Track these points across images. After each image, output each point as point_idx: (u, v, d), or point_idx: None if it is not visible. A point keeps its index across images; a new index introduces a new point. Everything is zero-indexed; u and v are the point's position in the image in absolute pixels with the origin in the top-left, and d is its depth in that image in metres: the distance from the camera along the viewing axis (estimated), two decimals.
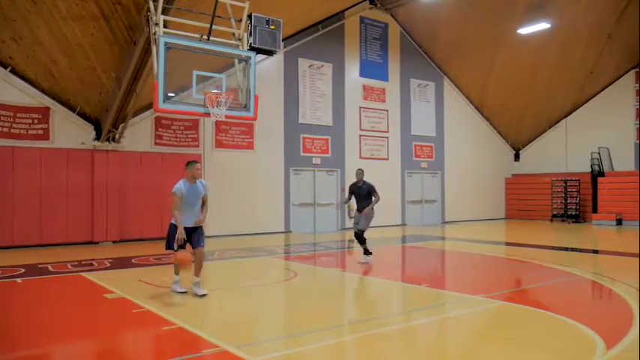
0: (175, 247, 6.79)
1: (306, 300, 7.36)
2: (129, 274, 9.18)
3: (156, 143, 14.31)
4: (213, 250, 12.71)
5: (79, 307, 6.68)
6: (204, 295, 6.85)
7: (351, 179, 18.22)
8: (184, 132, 14.76)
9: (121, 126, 13.19)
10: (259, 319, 5.71)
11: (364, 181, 10.12)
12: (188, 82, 9.06)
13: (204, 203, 7.18)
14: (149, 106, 13.30)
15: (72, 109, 13.15)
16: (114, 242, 13.52)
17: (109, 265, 10.04)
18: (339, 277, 9.43)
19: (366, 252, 10.23)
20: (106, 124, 12.99)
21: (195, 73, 8.93)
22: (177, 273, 7.17)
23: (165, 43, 8.72)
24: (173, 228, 6.93)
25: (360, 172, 10.25)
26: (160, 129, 14.37)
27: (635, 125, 20.51)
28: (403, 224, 19.78)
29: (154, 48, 8.83)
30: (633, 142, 20.55)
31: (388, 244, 14.14)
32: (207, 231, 14.88)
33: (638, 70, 20.41)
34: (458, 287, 8.16)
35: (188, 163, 7.15)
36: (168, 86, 8.94)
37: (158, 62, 8.65)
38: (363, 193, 10.06)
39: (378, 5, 18.93)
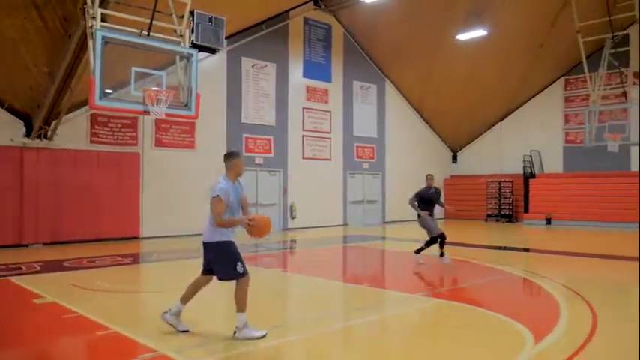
0: (242, 268, 5.07)
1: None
2: (61, 277, 8.78)
3: (91, 141, 13.78)
4: (151, 251, 12.41)
5: (5, 313, 6.33)
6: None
7: (293, 179, 18.34)
8: (122, 130, 14.29)
9: (53, 123, 12.61)
10: (199, 322, 5.60)
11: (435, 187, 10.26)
12: (127, 78, 8.79)
13: (243, 209, 5.37)
14: (85, 102, 12.76)
15: (0, 103, 12.46)
16: (45, 244, 12.90)
17: (38, 268, 9.57)
18: (280, 277, 9.42)
19: (443, 254, 10.00)
20: (37, 120, 12.39)
21: (133, 69, 8.67)
22: (244, 309, 5.08)
23: (103, 38, 8.43)
24: (227, 246, 5.15)
25: (432, 178, 10.38)
26: (96, 126, 13.85)
27: (563, 130, 21.62)
28: (345, 224, 19.98)
29: (90, 42, 8.51)
30: (562, 146, 21.67)
31: (330, 244, 14.26)
32: (145, 231, 14.62)
33: (566, 77, 21.53)
34: (397, 286, 8.34)
35: (232, 155, 5.35)
36: (106, 82, 8.64)
37: (95, 57, 8.36)
38: (435, 198, 10.21)
39: (322, 7, 19.05)
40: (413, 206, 10.10)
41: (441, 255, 9.97)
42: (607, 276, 9.33)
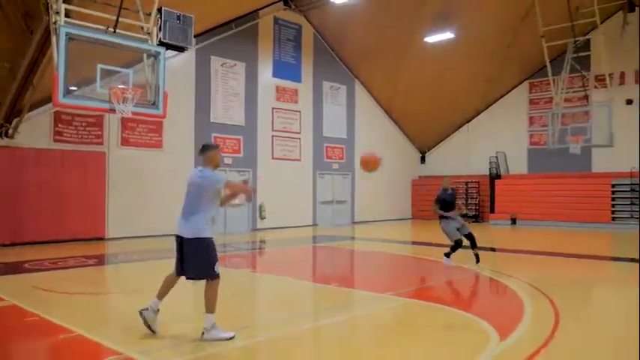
0: (218, 269, 5.07)
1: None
2: (22, 280, 8.53)
3: (55, 140, 13.43)
4: (116, 252, 12.17)
5: None
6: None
7: (263, 181, 18.25)
8: (87, 128, 13.97)
9: (15, 120, 12.24)
10: (166, 323, 5.52)
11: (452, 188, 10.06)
12: (92, 75, 8.59)
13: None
14: (48, 99, 12.44)
15: None
16: (5, 245, 12.50)
17: None
18: (249, 277, 9.37)
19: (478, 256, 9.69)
20: None
21: (99, 66, 8.48)
22: (213, 311, 5.02)
23: (67, 34, 8.22)
24: (209, 244, 5.08)
25: (448, 180, 10.26)
26: (60, 124, 13.51)
27: (527, 132, 22.11)
28: (314, 225, 19.99)
29: (53, 38, 8.29)
30: (526, 147, 22.17)
31: (299, 245, 14.25)
32: (112, 232, 14.33)
33: (531, 80, 22.03)
34: (366, 286, 8.39)
35: (209, 147, 5.34)
36: (70, 79, 8.43)
37: (58, 54, 8.14)
38: (452, 200, 9.96)
39: (292, 7, 19.01)
40: (436, 212, 10.06)
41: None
42: (570, 275, 9.58)
